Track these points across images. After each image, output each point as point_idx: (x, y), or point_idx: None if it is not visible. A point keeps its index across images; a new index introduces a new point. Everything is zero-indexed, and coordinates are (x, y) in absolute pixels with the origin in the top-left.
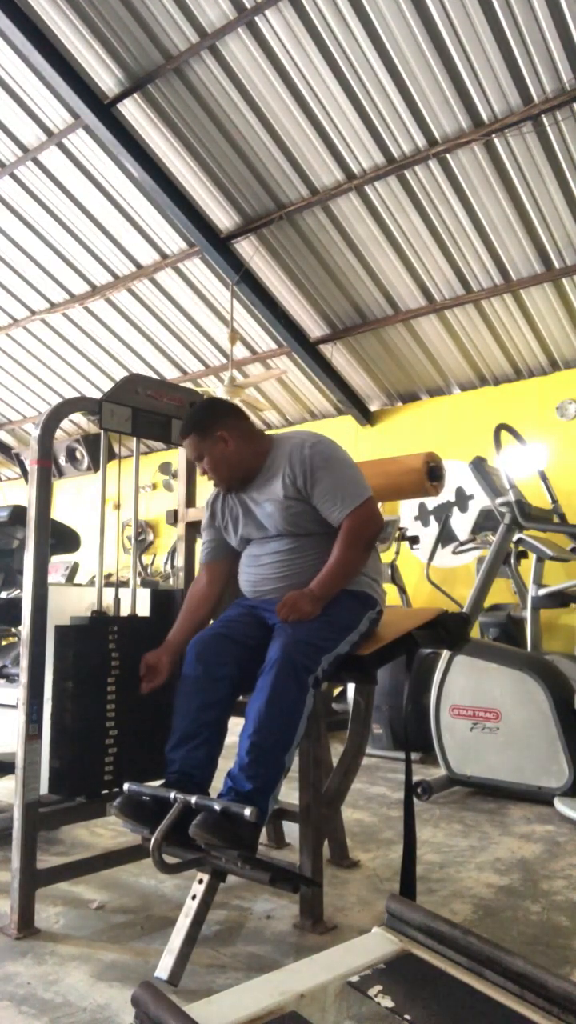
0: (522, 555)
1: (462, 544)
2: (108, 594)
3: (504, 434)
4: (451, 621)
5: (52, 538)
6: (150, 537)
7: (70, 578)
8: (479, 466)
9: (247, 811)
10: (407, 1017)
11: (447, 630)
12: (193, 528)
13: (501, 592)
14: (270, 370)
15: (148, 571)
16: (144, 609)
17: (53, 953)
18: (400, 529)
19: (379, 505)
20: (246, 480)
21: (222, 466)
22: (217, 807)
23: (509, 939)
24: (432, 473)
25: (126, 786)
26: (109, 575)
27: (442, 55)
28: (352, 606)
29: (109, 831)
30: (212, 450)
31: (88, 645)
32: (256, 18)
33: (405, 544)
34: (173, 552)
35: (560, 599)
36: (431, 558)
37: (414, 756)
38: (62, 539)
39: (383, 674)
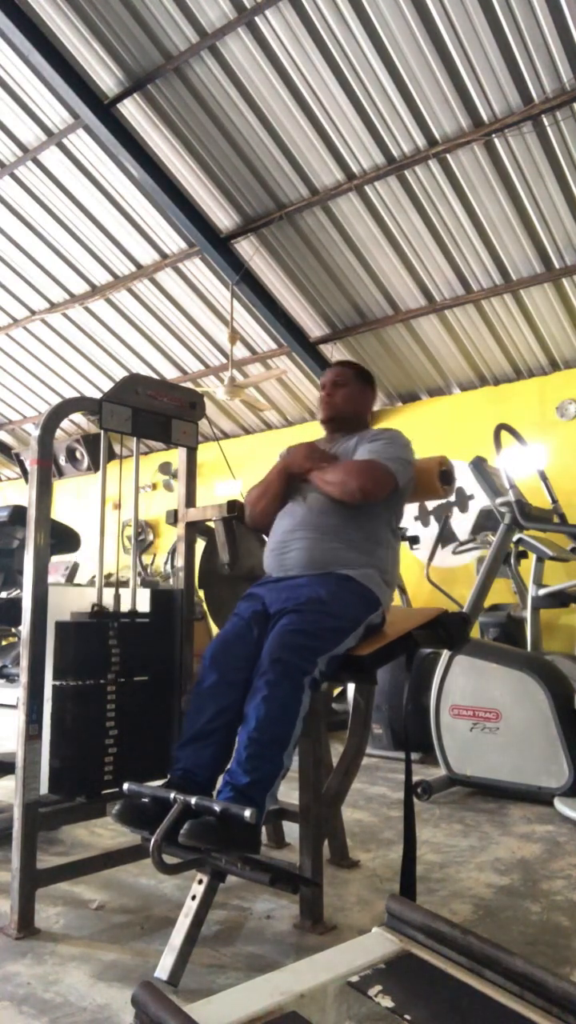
0: (522, 555)
1: (462, 544)
2: (108, 594)
3: (504, 434)
4: (451, 621)
5: (52, 538)
6: (150, 537)
7: (70, 578)
8: (479, 466)
9: (247, 812)
10: (407, 1017)
11: (447, 630)
12: (193, 528)
13: (501, 592)
14: (270, 370)
15: (148, 571)
16: (144, 609)
17: (53, 953)
18: (400, 529)
19: None
20: (338, 429)
21: (347, 403)
22: (217, 807)
23: (509, 939)
24: (444, 476)
25: (125, 786)
26: (109, 575)
27: (442, 55)
28: (356, 606)
29: (109, 831)
30: (354, 390)
31: (89, 641)
32: (256, 18)
33: (405, 544)
34: (173, 552)
35: (560, 599)
36: (431, 558)
37: (414, 756)
38: (62, 539)
39: (383, 674)
